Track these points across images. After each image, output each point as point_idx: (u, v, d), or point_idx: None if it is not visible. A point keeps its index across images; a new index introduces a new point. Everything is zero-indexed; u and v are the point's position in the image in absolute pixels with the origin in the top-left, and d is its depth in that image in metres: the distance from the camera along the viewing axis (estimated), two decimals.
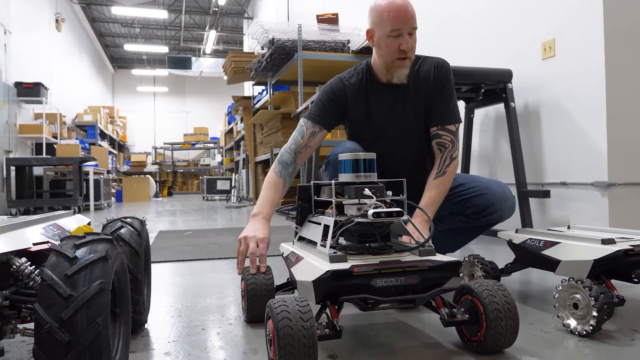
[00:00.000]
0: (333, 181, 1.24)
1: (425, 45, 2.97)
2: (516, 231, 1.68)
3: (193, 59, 15.24)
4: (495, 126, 3.45)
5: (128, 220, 1.27)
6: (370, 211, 1.11)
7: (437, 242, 1.99)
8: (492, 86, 3.08)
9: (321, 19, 5.40)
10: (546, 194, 2.87)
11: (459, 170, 3.58)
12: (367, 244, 1.21)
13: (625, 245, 1.31)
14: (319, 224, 1.26)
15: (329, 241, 1.15)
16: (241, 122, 8.75)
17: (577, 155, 2.81)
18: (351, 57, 5.22)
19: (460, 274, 1.76)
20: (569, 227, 1.71)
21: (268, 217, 1.62)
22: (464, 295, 1.17)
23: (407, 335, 1.29)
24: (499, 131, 3.43)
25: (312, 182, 1.37)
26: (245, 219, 5.43)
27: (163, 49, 15.60)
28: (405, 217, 1.18)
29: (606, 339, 1.23)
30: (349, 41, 5.30)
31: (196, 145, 16.83)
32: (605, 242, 1.34)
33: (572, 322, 1.26)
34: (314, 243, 1.26)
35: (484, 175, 3.50)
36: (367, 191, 1.18)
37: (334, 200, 1.21)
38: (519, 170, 2.99)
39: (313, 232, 1.30)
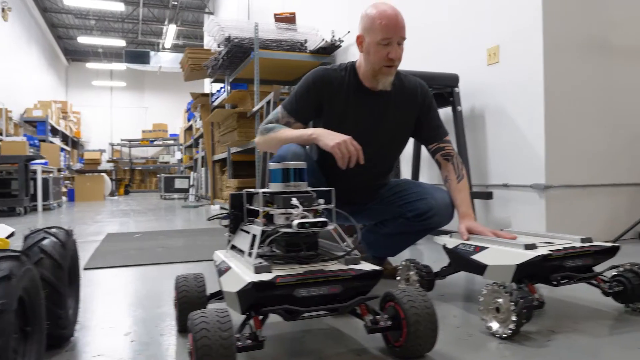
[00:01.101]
0: (260, 190, 1.24)
1: None
2: (450, 235, 1.73)
3: (152, 53, 14.95)
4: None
5: (52, 230, 1.24)
6: (295, 221, 1.13)
7: (381, 245, 2.05)
8: (440, 90, 3.15)
9: (278, 18, 5.38)
10: (489, 196, 2.96)
11: (407, 176, 3.67)
12: (295, 253, 1.22)
13: (545, 251, 1.38)
14: (249, 232, 1.27)
15: (254, 251, 1.16)
16: (200, 120, 8.65)
17: (518, 159, 2.91)
18: (308, 57, 5.24)
19: (398, 278, 1.80)
20: (501, 230, 1.73)
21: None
22: (388, 302, 1.19)
23: (336, 341, 1.31)
24: (450, 134, 3.49)
25: (244, 190, 1.37)
26: (202, 219, 5.37)
27: (120, 43, 15.21)
28: (331, 226, 1.20)
29: (525, 340, 1.28)
30: (306, 41, 5.30)
31: (155, 142, 16.50)
32: (527, 247, 1.40)
33: (494, 325, 1.31)
34: (243, 252, 1.26)
35: (433, 177, 3.57)
36: (294, 201, 1.20)
37: (260, 210, 1.22)
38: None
39: (243, 241, 1.30)
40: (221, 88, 6.85)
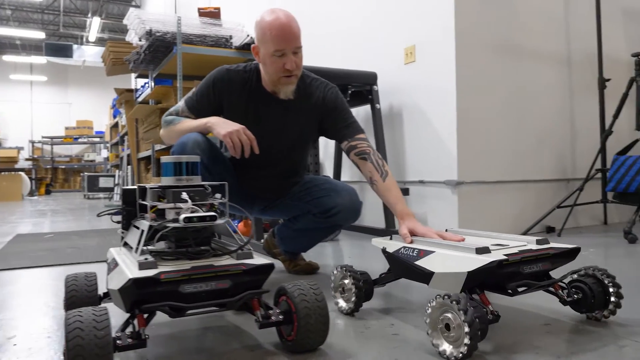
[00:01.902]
0: (149, 185, 1.20)
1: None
2: (390, 237, 1.51)
3: (75, 46, 14.23)
4: (365, 126, 3.57)
5: None
6: (182, 215, 1.09)
7: (294, 240, 2.05)
8: (359, 88, 3.19)
9: (203, 13, 5.26)
10: (405, 192, 3.03)
11: (330, 173, 3.69)
12: (185, 249, 1.19)
13: (500, 255, 1.17)
14: (139, 228, 1.22)
15: (140, 247, 1.12)
16: (125, 116, 8.32)
17: (433, 156, 3.00)
18: (233, 52, 5.14)
19: (332, 286, 1.53)
20: (446, 230, 1.56)
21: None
22: (281, 296, 1.19)
23: (232, 338, 1.28)
24: (368, 131, 3.56)
25: (137, 185, 1.32)
26: None
27: (39, 35, 14.37)
28: (222, 220, 1.18)
29: None
30: (231, 37, 5.20)
31: (79, 140, 15.71)
32: (479, 251, 1.19)
33: (447, 348, 1.08)
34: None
35: (355, 175, 3.62)
36: (184, 195, 1.16)
37: (148, 205, 1.18)
38: None
39: (133, 237, 1.25)
40: (145, 84, 6.63)
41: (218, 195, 1.26)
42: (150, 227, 1.15)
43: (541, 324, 1.35)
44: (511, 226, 3.05)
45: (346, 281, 1.48)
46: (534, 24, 3.22)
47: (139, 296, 1.04)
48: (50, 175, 15.35)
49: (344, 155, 3.62)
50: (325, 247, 2.79)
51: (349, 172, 3.68)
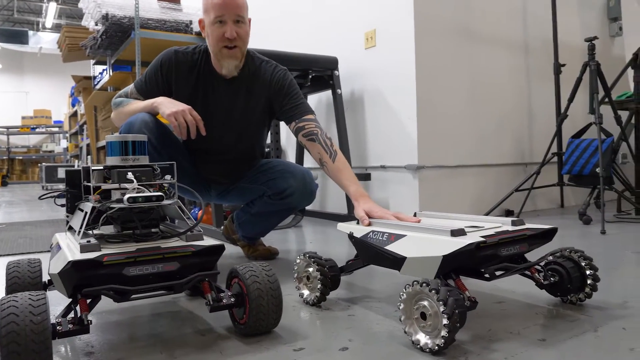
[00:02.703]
0: (91, 165, 1.15)
1: (260, 33, 2.93)
2: (357, 222, 1.42)
3: (30, 33, 13.75)
4: (327, 112, 3.56)
5: None
6: (126, 196, 1.05)
7: (251, 225, 2.02)
8: (320, 73, 3.16)
9: None
10: (367, 177, 3.04)
11: (292, 157, 3.66)
12: (132, 231, 1.15)
13: (477, 237, 1.09)
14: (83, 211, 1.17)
15: (82, 229, 1.07)
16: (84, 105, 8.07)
17: (394, 141, 3.01)
18: (193, 38, 5.03)
19: (295, 276, 1.44)
20: (415, 214, 1.50)
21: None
22: (233, 278, 1.16)
23: (183, 323, 1.25)
24: (330, 117, 3.54)
25: (80, 165, 1.27)
26: None
27: None
28: (170, 201, 1.14)
29: (461, 355, 1.00)
30: (191, 22, 5.10)
31: (37, 130, 15.19)
32: (454, 233, 1.11)
33: (422, 338, 1.01)
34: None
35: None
36: (129, 175, 1.12)
37: (92, 185, 1.13)
38: (345, 154, 3.12)
39: (78, 220, 1.20)
40: (103, 70, 6.43)
41: (168, 177, 1.23)
42: (94, 208, 1.10)
43: (515, 310, 1.29)
44: (471, 210, 3.09)
45: (310, 269, 1.37)
46: (492, 9, 3.25)
47: (81, 280, 0.99)
48: (7, 166, 14.82)
49: None
50: (288, 233, 2.77)
51: (311, 158, 3.66)
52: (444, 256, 1.06)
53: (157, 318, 1.30)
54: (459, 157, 3.07)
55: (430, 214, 1.49)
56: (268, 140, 3.50)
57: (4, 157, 14.86)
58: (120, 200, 1.07)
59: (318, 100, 3.62)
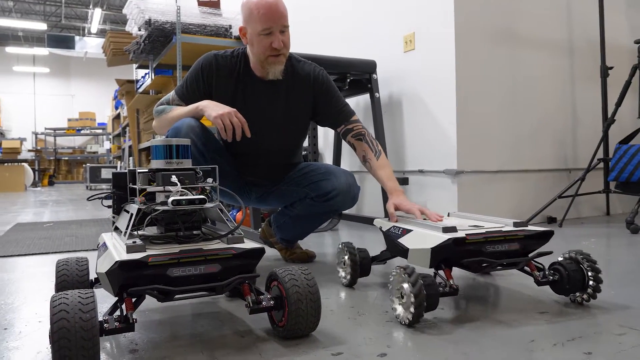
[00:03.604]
0: (137, 168, 1.19)
1: (298, 36, 2.95)
2: (387, 217, 1.62)
3: (77, 38, 14.22)
4: (365, 115, 3.55)
5: None
6: (171, 198, 1.08)
7: (291, 228, 2.03)
8: (358, 76, 3.16)
9: (202, 2, 5.23)
10: (405, 181, 3.01)
11: (330, 161, 3.67)
12: (175, 233, 1.17)
13: (461, 234, 1.27)
14: (129, 212, 1.21)
15: (128, 230, 1.10)
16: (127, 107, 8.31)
17: (433, 145, 2.97)
18: (233, 42, 5.11)
19: (337, 262, 1.67)
20: (448, 215, 1.67)
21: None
22: (272, 281, 1.17)
23: (223, 324, 1.27)
24: (368, 121, 3.53)
25: (128, 168, 1.31)
26: None
27: (41, 26, 14.34)
28: (212, 204, 1.16)
29: (428, 328, 1.19)
30: (230, 26, 5.18)
31: (82, 131, 15.72)
32: (445, 230, 1.29)
33: (399, 310, 1.22)
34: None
35: (355, 163, 3.60)
36: (173, 178, 1.15)
37: (138, 188, 1.16)
38: None
39: (124, 221, 1.24)
40: (145, 74, 6.61)
41: (210, 180, 1.25)
42: (139, 210, 1.13)
43: (517, 302, 1.40)
44: (510, 217, 3.03)
45: (345, 257, 1.62)
46: (535, 10, 3.18)
47: (127, 279, 1.02)
48: (53, 166, 15.39)
49: (344, 143, 3.60)
50: (324, 237, 2.78)
51: (348, 161, 3.66)
52: (431, 248, 1.27)
53: (197, 318, 1.33)
54: (499, 162, 3.01)
55: (460, 214, 1.66)
56: (305, 143, 3.52)
57: (51, 158, 15.44)
58: (164, 203, 1.10)
59: (356, 104, 3.62)
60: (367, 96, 3.32)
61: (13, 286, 1.75)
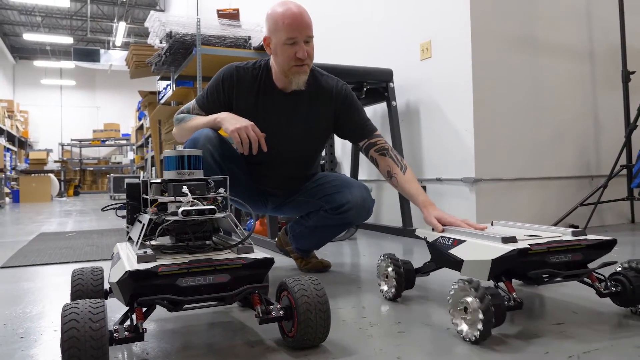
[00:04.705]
0: (149, 179, 1.20)
1: (315, 48, 2.97)
2: (433, 228, 1.55)
3: (102, 51, 14.55)
4: (382, 124, 3.54)
5: None
6: (181, 209, 1.09)
7: (306, 238, 2.03)
8: (375, 85, 3.16)
9: (221, 14, 5.30)
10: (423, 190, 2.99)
11: (347, 172, 3.66)
12: (186, 243, 1.18)
13: (524, 245, 1.20)
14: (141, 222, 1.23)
15: (139, 240, 1.12)
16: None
17: (450, 153, 2.95)
18: (252, 53, 5.16)
19: (377, 274, 1.61)
20: (492, 224, 1.62)
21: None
22: (282, 292, 1.17)
23: (234, 334, 1.27)
24: (385, 129, 3.53)
25: (141, 179, 1.33)
26: None
27: (68, 40, 14.71)
28: (222, 214, 1.17)
29: (497, 344, 1.12)
30: (249, 37, 5.23)
31: (107, 142, 16.05)
32: (505, 240, 1.23)
33: (464, 328, 1.14)
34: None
35: (372, 173, 3.59)
36: (184, 189, 1.16)
37: (149, 198, 1.18)
38: None
39: (136, 231, 1.25)
40: (167, 85, 6.72)
41: (222, 190, 1.26)
42: (151, 220, 1.15)
43: (578, 315, 1.34)
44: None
45: (389, 269, 1.55)
46: (553, 15, 3.14)
47: (137, 289, 1.03)
48: (79, 176, 15.72)
49: (361, 153, 3.60)
50: (342, 246, 2.77)
51: (366, 171, 3.65)
52: (492, 260, 1.19)
53: (209, 328, 1.33)
54: (517, 169, 2.97)
55: (505, 223, 1.60)
56: (323, 153, 3.53)
57: (77, 169, 15.77)
58: (175, 213, 1.11)
59: (373, 112, 3.61)
60: (384, 105, 3.31)
61: (33, 295, 1.79)
